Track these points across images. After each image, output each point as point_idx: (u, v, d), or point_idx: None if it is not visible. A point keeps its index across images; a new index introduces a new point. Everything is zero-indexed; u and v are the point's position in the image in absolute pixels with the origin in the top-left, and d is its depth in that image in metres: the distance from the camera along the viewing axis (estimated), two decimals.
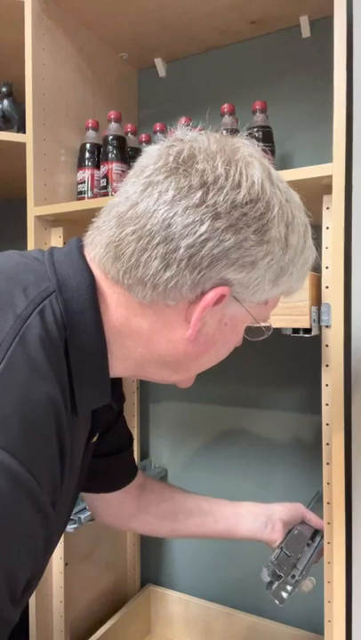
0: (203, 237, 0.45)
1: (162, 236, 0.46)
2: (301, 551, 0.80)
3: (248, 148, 0.50)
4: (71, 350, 0.47)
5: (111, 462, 0.74)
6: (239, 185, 0.46)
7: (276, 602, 0.74)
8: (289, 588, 0.75)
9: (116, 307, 0.50)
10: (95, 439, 0.65)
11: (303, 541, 0.82)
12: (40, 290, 0.47)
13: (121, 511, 0.79)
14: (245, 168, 0.47)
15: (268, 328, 0.57)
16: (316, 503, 0.90)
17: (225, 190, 0.46)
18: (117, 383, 0.68)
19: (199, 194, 0.45)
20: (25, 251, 0.56)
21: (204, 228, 0.45)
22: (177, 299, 0.48)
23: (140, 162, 0.51)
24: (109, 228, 0.49)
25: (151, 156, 0.50)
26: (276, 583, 0.74)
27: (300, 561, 0.78)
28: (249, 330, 0.56)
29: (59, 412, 0.43)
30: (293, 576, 0.76)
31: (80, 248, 0.52)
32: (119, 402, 0.72)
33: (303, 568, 0.77)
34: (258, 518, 0.82)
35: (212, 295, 0.47)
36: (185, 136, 0.50)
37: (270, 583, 0.75)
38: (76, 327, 0.47)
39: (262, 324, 0.56)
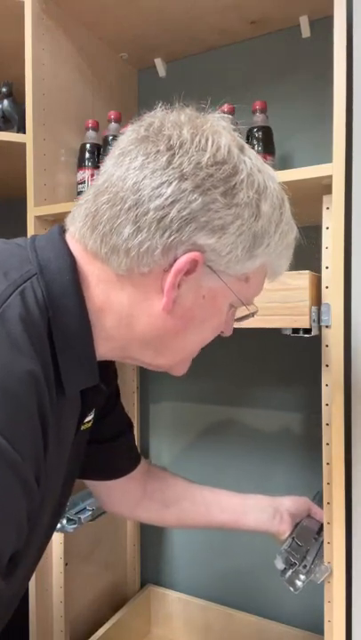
0: (170, 199, 0.46)
1: (132, 201, 0.47)
2: (310, 543, 0.80)
3: (220, 122, 0.51)
4: (55, 331, 0.47)
5: (110, 449, 0.74)
6: (204, 148, 0.47)
7: (291, 589, 0.76)
8: (302, 576, 0.76)
9: (97, 283, 0.50)
10: (89, 425, 0.64)
11: (311, 534, 0.82)
12: (21, 272, 0.47)
13: (126, 498, 0.79)
14: (212, 135, 0.49)
15: (253, 312, 0.56)
16: (318, 503, 0.90)
17: (190, 152, 0.47)
18: (107, 366, 0.67)
19: (166, 157, 0.47)
20: (9, 239, 0.56)
21: (170, 190, 0.46)
22: (150, 264, 0.48)
23: (116, 141, 0.53)
24: (87, 202, 0.51)
25: (126, 132, 0.52)
26: (290, 570, 0.76)
27: (309, 552, 0.79)
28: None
29: (40, 387, 0.44)
30: (305, 566, 0.77)
31: (61, 234, 0.53)
32: (109, 385, 0.71)
33: (314, 559, 0.78)
34: (266, 509, 0.82)
35: (183, 260, 0.47)
36: (158, 114, 0.52)
37: (284, 570, 0.77)
38: (58, 308, 0.48)
39: (249, 309, 0.55)
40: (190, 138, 0.48)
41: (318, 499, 0.89)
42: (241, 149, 0.50)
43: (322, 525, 0.84)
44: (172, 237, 0.47)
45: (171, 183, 0.46)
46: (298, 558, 0.76)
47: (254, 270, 0.52)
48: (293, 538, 0.79)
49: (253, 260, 0.51)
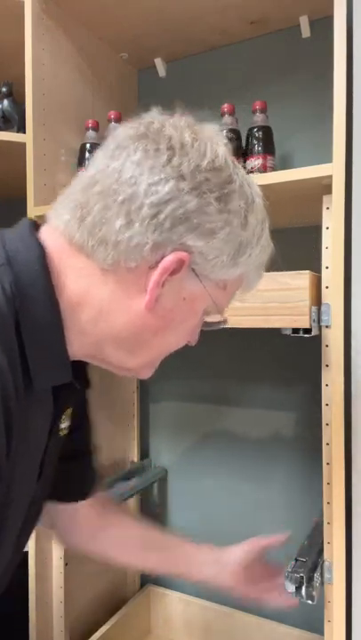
0: (166, 197, 0.46)
1: (127, 194, 0.47)
2: (315, 557, 0.81)
3: (216, 134, 0.52)
4: (22, 321, 0.46)
5: (70, 468, 0.69)
6: (204, 153, 0.48)
7: (309, 602, 0.76)
8: (317, 586, 0.77)
9: (78, 278, 0.50)
10: (66, 432, 0.62)
11: (314, 548, 0.83)
12: None
13: (83, 527, 0.75)
14: (211, 143, 0.50)
15: (223, 321, 0.57)
16: (315, 531, 0.90)
17: (190, 155, 0.48)
18: (82, 369, 0.64)
19: (166, 155, 0.47)
20: None
21: (167, 188, 0.46)
22: (137, 260, 0.48)
23: (112, 135, 0.53)
24: (76, 193, 0.51)
25: (123, 128, 0.52)
26: (304, 586, 0.76)
27: (315, 564, 0.80)
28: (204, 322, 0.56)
29: (4, 380, 0.43)
30: (315, 577, 0.78)
31: (30, 225, 0.53)
32: (83, 386, 0.66)
33: (322, 567, 0.79)
34: (215, 564, 0.79)
35: (171, 258, 0.47)
36: (156, 116, 0.53)
37: (297, 589, 0.77)
38: (25, 297, 0.47)
39: (221, 317, 0.56)
40: (191, 141, 0.49)
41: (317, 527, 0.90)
42: (233, 162, 0.51)
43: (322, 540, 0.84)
44: (163, 235, 0.47)
45: (168, 181, 0.46)
46: (305, 572, 0.77)
47: (233, 279, 0.53)
48: (296, 559, 0.80)
49: (235, 269, 0.51)
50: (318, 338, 0.80)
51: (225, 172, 0.49)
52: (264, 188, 0.88)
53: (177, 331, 0.53)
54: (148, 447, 1.34)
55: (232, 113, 1.00)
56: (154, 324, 0.51)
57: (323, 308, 0.79)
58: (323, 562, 0.79)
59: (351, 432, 0.78)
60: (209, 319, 0.57)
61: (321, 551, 0.81)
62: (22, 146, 1.02)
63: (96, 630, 1.11)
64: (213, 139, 0.51)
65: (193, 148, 0.48)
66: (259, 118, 0.98)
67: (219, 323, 0.57)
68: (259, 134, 0.97)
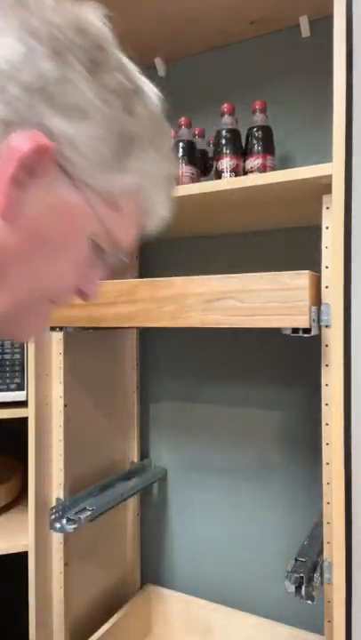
0: (15, 59, 0.35)
1: None
2: (315, 557, 0.81)
3: (95, 10, 0.42)
4: None
5: None
6: (69, 14, 0.38)
7: (309, 602, 0.77)
8: (317, 586, 0.77)
9: None
10: None
11: (315, 548, 0.83)
12: None
13: None
14: (82, 11, 0.40)
15: (124, 256, 0.44)
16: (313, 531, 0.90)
17: (48, 12, 0.37)
18: None
19: (12, 10, 0.36)
20: None
21: (16, 48, 0.35)
22: None
23: None
24: None
25: None
26: (304, 586, 0.77)
27: (314, 563, 0.80)
28: (103, 257, 0.43)
29: None
30: (315, 577, 0.78)
31: None
32: None
33: (321, 567, 0.79)
34: None
35: (24, 139, 0.34)
36: None
37: (298, 589, 0.77)
38: None
39: (118, 250, 0.43)
40: (52, 3, 0.38)
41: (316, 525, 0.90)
42: (115, 43, 0.41)
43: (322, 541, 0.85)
44: (14, 111, 0.35)
45: (17, 40, 0.35)
46: (305, 572, 0.77)
47: (125, 195, 0.40)
48: (296, 559, 0.80)
49: (124, 176, 0.39)
50: (318, 338, 0.80)
51: (98, 37, 0.38)
52: (264, 187, 0.89)
53: (54, 258, 0.40)
54: (148, 447, 1.34)
55: (232, 113, 1.00)
56: (15, 241, 0.37)
57: (323, 308, 0.79)
58: (323, 562, 0.79)
59: (351, 432, 0.78)
60: (105, 255, 0.43)
61: (321, 551, 0.82)
62: None
63: (96, 630, 1.11)
64: (88, 10, 0.40)
65: (53, 10, 0.37)
66: (259, 118, 0.98)
67: (118, 259, 0.44)
68: (259, 134, 0.97)
